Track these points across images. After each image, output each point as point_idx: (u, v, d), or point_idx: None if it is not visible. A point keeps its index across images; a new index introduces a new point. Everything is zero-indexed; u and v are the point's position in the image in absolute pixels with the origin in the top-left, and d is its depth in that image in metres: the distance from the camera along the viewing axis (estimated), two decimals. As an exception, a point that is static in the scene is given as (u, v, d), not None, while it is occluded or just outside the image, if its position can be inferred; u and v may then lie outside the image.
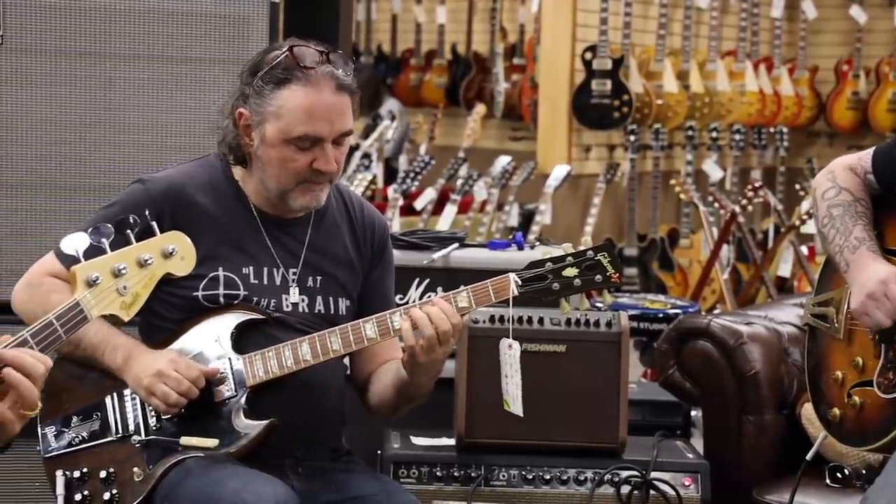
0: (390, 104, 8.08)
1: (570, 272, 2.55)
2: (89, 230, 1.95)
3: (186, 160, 2.73)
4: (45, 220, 3.10)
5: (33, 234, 3.10)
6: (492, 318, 3.04)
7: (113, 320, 2.01)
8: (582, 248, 2.57)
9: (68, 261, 1.96)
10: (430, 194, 6.38)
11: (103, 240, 1.94)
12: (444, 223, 5.99)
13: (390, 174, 7.11)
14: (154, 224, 2.03)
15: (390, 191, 6.17)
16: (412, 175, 6.42)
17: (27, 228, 3.11)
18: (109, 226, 1.96)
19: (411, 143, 7.58)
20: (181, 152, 3.09)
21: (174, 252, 2.01)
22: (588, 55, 6.80)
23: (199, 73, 3.15)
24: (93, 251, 1.92)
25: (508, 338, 2.70)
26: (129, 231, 1.99)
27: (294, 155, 2.49)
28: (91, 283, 1.90)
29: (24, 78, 3.08)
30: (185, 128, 3.16)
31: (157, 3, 3.11)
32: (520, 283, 2.53)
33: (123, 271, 1.93)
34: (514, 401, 2.71)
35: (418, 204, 6.39)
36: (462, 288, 2.52)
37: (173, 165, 2.71)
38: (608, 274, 2.56)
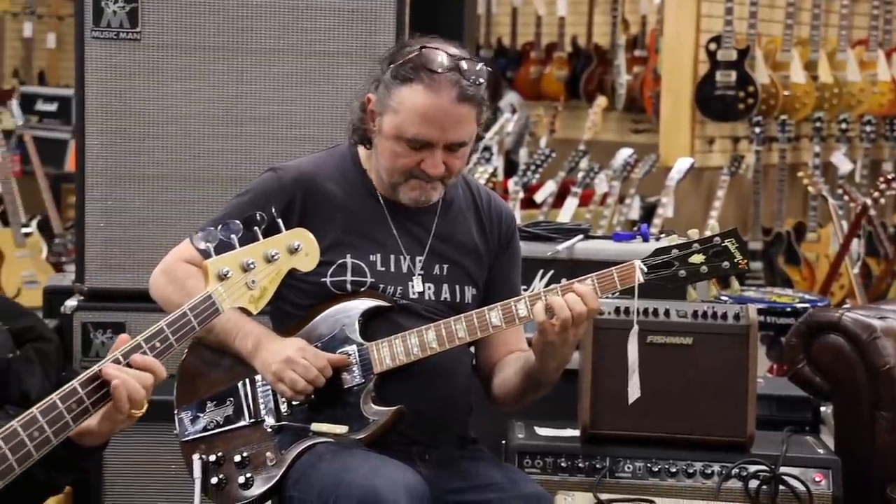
0: (510, 97, 8.11)
1: (697, 259, 2.54)
2: (219, 227, 2.01)
3: (316, 150, 2.78)
4: (179, 210, 3.22)
5: (168, 224, 3.22)
6: (616, 310, 3.04)
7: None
8: (708, 234, 2.55)
9: (201, 255, 2.02)
10: (550, 187, 6.39)
11: (232, 236, 2.00)
12: (564, 216, 6.00)
13: (510, 167, 7.15)
14: (279, 221, 2.07)
15: (510, 183, 6.20)
16: (533, 168, 6.45)
17: (162, 218, 3.24)
18: (238, 222, 2.02)
19: (531, 136, 7.60)
20: (310, 143, 3.16)
21: (299, 248, 2.06)
22: (712, 46, 6.73)
23: (328, 67, 3.22)
24: (223, 246, 1.98)
25: (633, 329, 2.69)
26: (256, 227, 2.04)
27: (404, 152, 2.52)
28: (222, 277, 1.96)
29: (159, 73, 3.19)
30: (313, 119, 3.23)
31: (282, 0, 3.19)
32: (645, 269, 2.52)
33: (252, 266, 1.98)
34: (632, 390, 2.69)
35: (538, 197, 6.41)
36: (587, 276, 2.53)
37: (303, 156, 2.76)
38: (736, 260, 2.54)
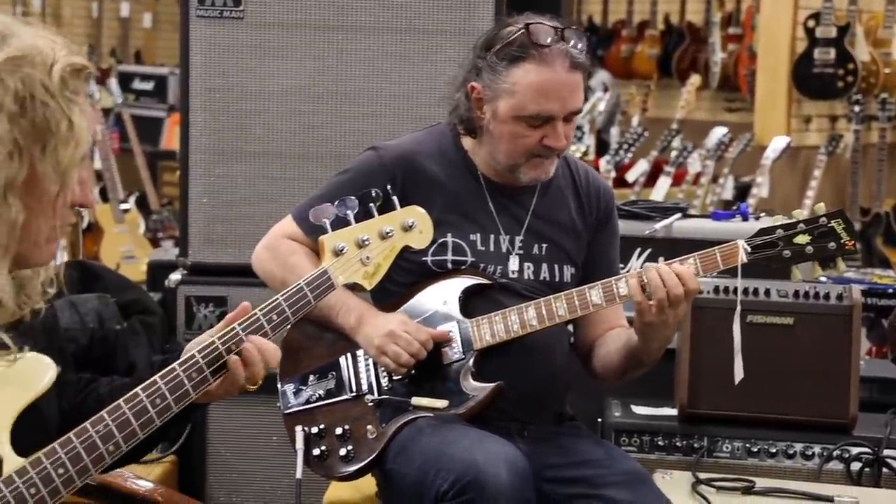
0: (601, 76, 8.05)
1: (802, 239, 2.52)
2: (336, 203, 2.03)
3: (416, 129, 2.79)
4: (280, 186, 3.25)
5: (269, 200, 3.25)
6: (716, 289, 3.02)
7: (355, 288, 2.08)
8: (820, 216, 2.52)
9: (316, 231, 2.02)
10: (642, 166, 6.36)
11: (348, 212, 2.01)
12: (657, 195, 5.96)
13: (601, 146, 7.11)
14: (395, 199, 2.08)
15: (602, 162, 6.17)
16: (625, 147, 6.42)
17: (264, 194, 3.27)
18: (354, 198, 2.03)
19: (623, 115, 7.55)
20: (409, 121, 3.18)
21: (413, 225, 2.06)
22: (811, 23, 6.63)
23: (427, 44, 3.22)
24: (338, 222, 2.00)
25: (735, 308, 2.67)
26: (371, 204, 2.04)
27: (525, 131, 2.53)
28: (338, 253, 1.97)
29: (261, 51, 3.23)
30: (413, 97, 3.24)
31: (387, -23, 3.21)
32: (749, 249, 2.51)
33: (367, 242, 1.99)
34: (737, 370, 2.68)
35: (630, 176, 6.38)
36: (688, 255, 2.52)
37: (403, 134, 2.77)
38: (842, 241, 2.51)
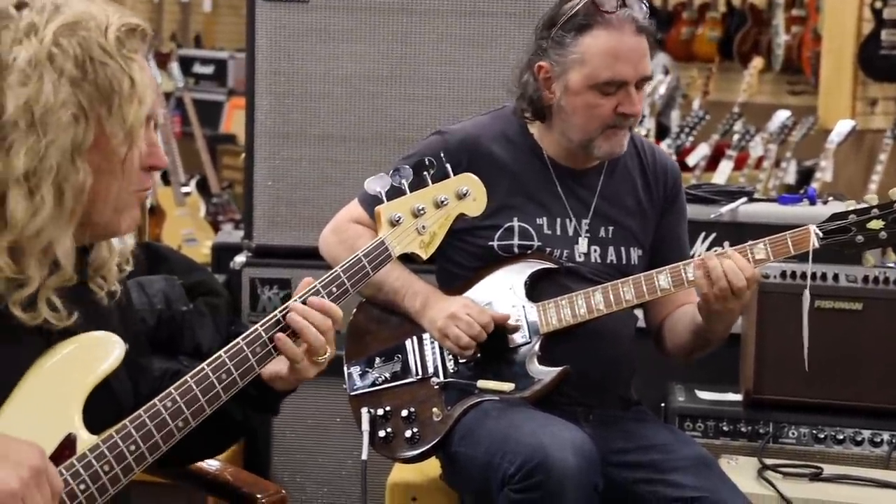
0: (661, 59, 8.00)
1: (876, 224, 2.48)
2: (390, 172, 2.03)
3: (480, 113, 2.78)
4: (346, 170, 3.25)
5: (334, 183, 3.26)
6: (783, 274, 3.00)
7: (414, 260, 2.07)
8: (889, 199, 2.49)
9: (372, 202, 2.04)
10: (703, 150, 6.31)
11: (403, 181, 2.01)
12: (718, 179, 5.91)
13: (661, 130, 7.07)
14: (448, 166, 2.07)
15: (663, 146, 6.13)
16: (685, 131, 6.38)
17: (328, 178, 3.29)
18: (408, 168, 2.03)
19: (684, 99, 7.49)
20: (473, 104, 3.17)
21: (468, 193, 2.05)
22: (878, 4, 6.53)
23: (491, 27, 3.22)
24: (393, 192, 1.99)
25: (802, 293, 2.65)
26: (425, 173, 2.04)
27: (599, 100, 2.52)
28: (394, 223, 1.96)
29: (327, 34, 3.23)
30: (477, 81, 3.24)
31: (446, -40, 3.21)
32: (821, 234, 2.48)
33: (422, 211, 1.99)
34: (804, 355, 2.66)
35: (691, 160, 6.33)
36: (759, 240, 2.50)
37: (468, 118, 2.77)
38: None
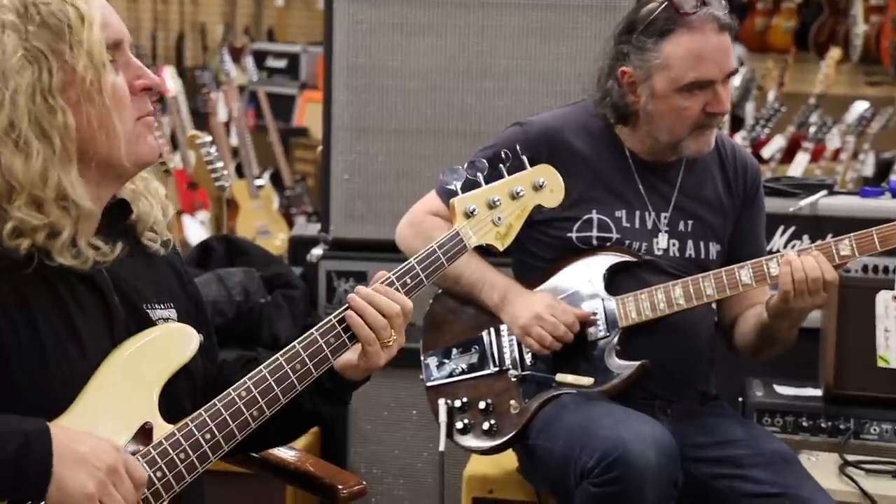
0: (736, 50, 7.89)
1: (961, 223, 2.46)
2: (465, 165, 2.02)
3: (558, 105, 2.78)
4: (421, 163, 3.26)
5: (411, 177, 3.27)
6: (864, 268, 2.97)
7: (491, 252, 2.06)
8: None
9: (447, 194, 2.03)
10: (778, 142, 6.26)
11: (478, 174, 1.99)
12: (794, 172, 5.85)
13: (735, 122, 7.00)
14: (524, 158, 2.06)
15: (738, 138, 6.08)
16: (761, 123, 6.32)
17: (405, 171, 3.29)
18: (484, 160, 2.02)
19: (759, 91, 7.42)
20: (551, 97, 3.16)
21: (544, 185, 2.04)
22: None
23: (568, 20, 3.20)
24: (469, 185, 1.98)
25: (893, 289, 2.62)
26: (501, 165, 2.03)
27: (686, 103, 2.50)
28: (469, 215, 1.96)
29: (403, 28, 3.24)
30: (554, 73, 3.22)
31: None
32: (898, 234, 2.46)
33: (498, 203, 1.98)
34: (893, 357, 2.64)
35: (765, 152, 6.28)
36: (844, 236, 2.46)
37: (545, 111, 2.76)
38: None
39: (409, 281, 1.90)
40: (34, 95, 1.68)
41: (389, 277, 1.89)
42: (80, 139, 1.71)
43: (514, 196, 2.01)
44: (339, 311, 1.86)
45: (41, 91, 1.68)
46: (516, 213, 2.01)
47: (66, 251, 1.71)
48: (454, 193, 1.97)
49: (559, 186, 2.07)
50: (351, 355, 1.89)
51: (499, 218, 1.99)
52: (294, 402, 1.85)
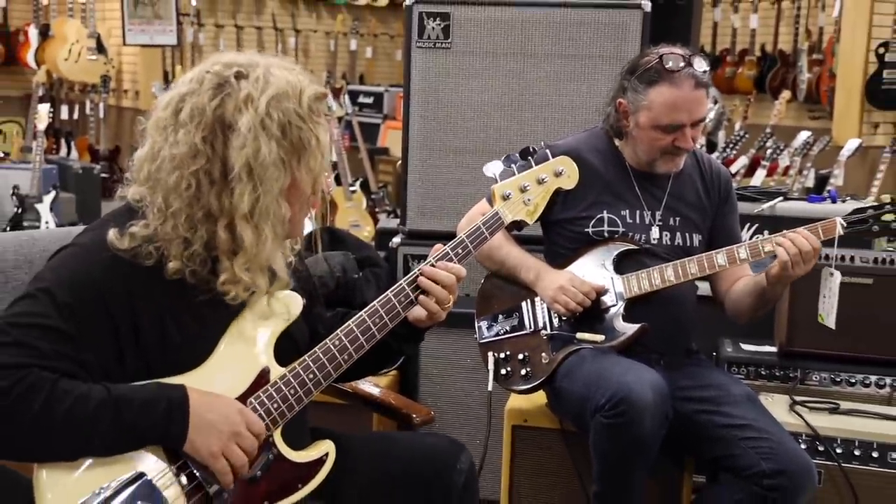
0: (711, 91, 7.78)
1: (889, 217, 2.40)
2: (503, 159, 2.00)
3: (578, 131, 2.75)
4: (475, 174, 3.21)
5: (467, 184, 3.24)
6: (810, 254, 2.90)
7: (521, 225, 2.01)
8: (901, 200, 2.40)
9: (489, 182, 1.99)
10: (742, 161, 6.13)
11: (513, 165, 1.98)
12: (755, 183, 5.75)
13: (710, 146, 6.90)
14: (548, 151, 2.03)
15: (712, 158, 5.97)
16: (730, 146, 6.21)
17: (463, 181, 3.26)
18: (517, 154, 1.99)
19: (728, 122, 7.29)
20: (573, 125, 3.12)
21: (563, 172, 2.01)
22: (881, 50, 6.29)
23: (588, 67, 3.15)
24: (505, 174, 1.97)
25: (831, 268, 2.57)
26: (530, 157, 2.01)
27: (660, 136, 2.47)
28: (505, 198, 1.94)
29: (463, 72, 3.20)
30: (576, 107, 3.18)
31: (559, 15, 3.13)
32: (845, 224, 2.41)
33: (527, 187, 1.95)
34: (828, 316, 2.58)
35: (733, 168, 6.15)
36: (795, 229, 2.42)
37: (570, 135, 2.73)
38: None
39: (460, 251, 1.89)
40: (275, 195, 1.65)
41: (445, 249, 1.88)
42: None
43: (540, 182, 1.98)
44: (408, 277, 1.84)
45: (280, 192, 1.66)
46: (542, 195, 1.98)
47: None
48: (494, 181, 1.94)
49: (574, 172, 2.03)
50: (418, 312, 1.88)
51: (528, 199, 1.96)
52: (383, 345, 1.84)
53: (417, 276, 1.84)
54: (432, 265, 1.85)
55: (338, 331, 1.78)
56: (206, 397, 1.64)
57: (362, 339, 1.78)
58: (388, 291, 1.82)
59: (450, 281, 1.84)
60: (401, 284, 1.83)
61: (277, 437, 1.74)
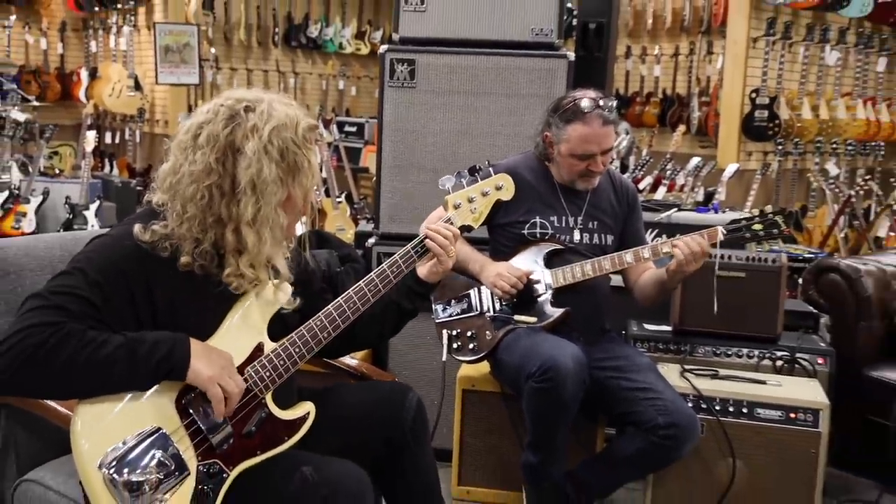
0: (624, 125, 7.81)
1: (758, 226, 2.42)
2: (455, 174, 1.98)
3: (516, 154, 2.74)
4: (434, 188, 3.11)
5: (429, 197, 3.20)
6: (698, 254, 2.90)
7: (469, 229, 2.01)
8: (769, 213, 2.42)
9: (444, 193, 1.98)
10: (648, 180, 6.16)
11: (462, 180, 1.96)
12: (657, 197, 5.77)
13: (623, 168, 6.92)
14: (491, 169, 2.02)
15: (624, 177, 5.98)
16: (638, 168, 6.23)
17: (426, 193, 3.21)
18: (466, 171, 1.98)
19: (637, 149, 7.33)
20: (512, 149, 3.09)
21: (502, 186, 1.99)
22: (753, 95, 6.37)
23: (524, 103, 3.14)
24: (456, 187, 1.96)
25: (710, 265, 2.57)
26: (477, 174, 2.00)
27: (577, 163, 2.47)
28: (456, 206, 1.93)
29: (426, 106, 3.16)
30: (515, 135, 3.15)
31: (503, 62, 3.10)
32: (725, 232, 2.42)
33: (474, 198, 1.94)
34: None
35: (641, 185, 6.19)
36: (687, 235, 2.42)
37: (510, 157, 2.72)
38: (782, 229, 2.42)
39: (420, 249, 1.87)
40: (273, 207, 1.62)
41: (442, 220, 1.88)
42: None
43: (484, 194, 1.96)
44: (415, 241, 1.82)
45: (277, 204, 1.63)
46: (485, 204, 1.96)
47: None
48: (447, 192, 1.92)
49: (512, 187, 2.02)
50: (423, 270, 1.86)
51: (475, 208, 1.94)
52: (397, 306, 1.82)
53: (423, 238, 1.83)
54: (428, 233, 1.85)
55: (339, 299, 1.75)
56: (204, 344, 1.62)
57: (369, 296, 1.75)
58: (395, 255, 1.80)
59: (449, 233, 1.85)
60: (407, 250, 1.82)
61: (269, 399, 1.70)
